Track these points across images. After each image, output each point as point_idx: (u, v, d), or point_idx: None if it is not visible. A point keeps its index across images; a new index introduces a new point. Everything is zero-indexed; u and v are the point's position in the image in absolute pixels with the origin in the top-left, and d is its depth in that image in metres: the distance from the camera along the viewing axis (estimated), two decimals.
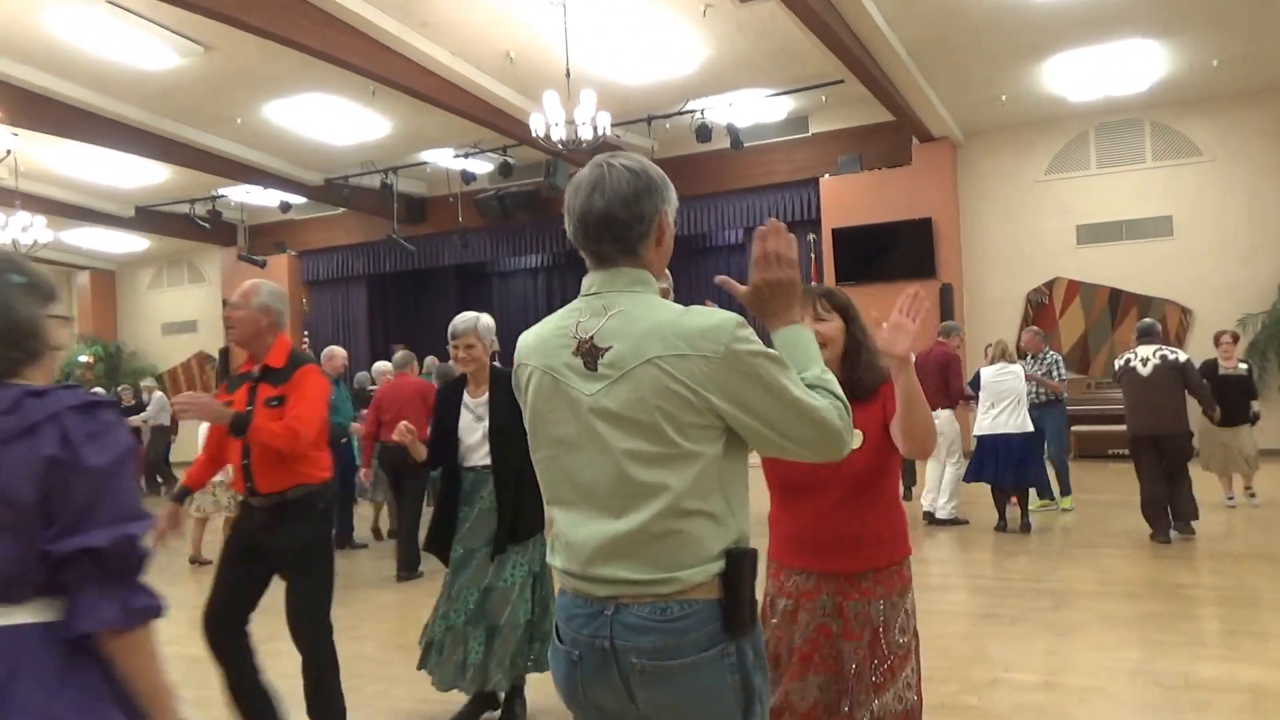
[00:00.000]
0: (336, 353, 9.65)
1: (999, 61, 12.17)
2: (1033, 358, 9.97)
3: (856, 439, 2.13)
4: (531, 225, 17.47)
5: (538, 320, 2.11)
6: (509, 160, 14.62)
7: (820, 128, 15.18)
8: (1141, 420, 7.87)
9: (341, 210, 17.55)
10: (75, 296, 21.18)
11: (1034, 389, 9.41)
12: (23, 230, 13.66)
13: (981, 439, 8.56)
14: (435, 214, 17.62)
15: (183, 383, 19.35)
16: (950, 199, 14.49)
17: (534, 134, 10.70)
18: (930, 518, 9.07)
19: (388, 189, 15.53)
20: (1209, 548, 7.60)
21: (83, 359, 19.33)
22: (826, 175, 15.07)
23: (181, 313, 20.45)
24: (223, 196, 16.73)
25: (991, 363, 8.80)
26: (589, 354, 1.90)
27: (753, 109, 14.11)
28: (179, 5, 9.09)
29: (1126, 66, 12.29)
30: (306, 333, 18.81)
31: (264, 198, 16.68)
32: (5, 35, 10.54)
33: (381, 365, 10.81)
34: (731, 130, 13.50)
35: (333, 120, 13.47)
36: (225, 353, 18.62)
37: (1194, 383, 7.93)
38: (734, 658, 1.87)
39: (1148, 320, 8.58)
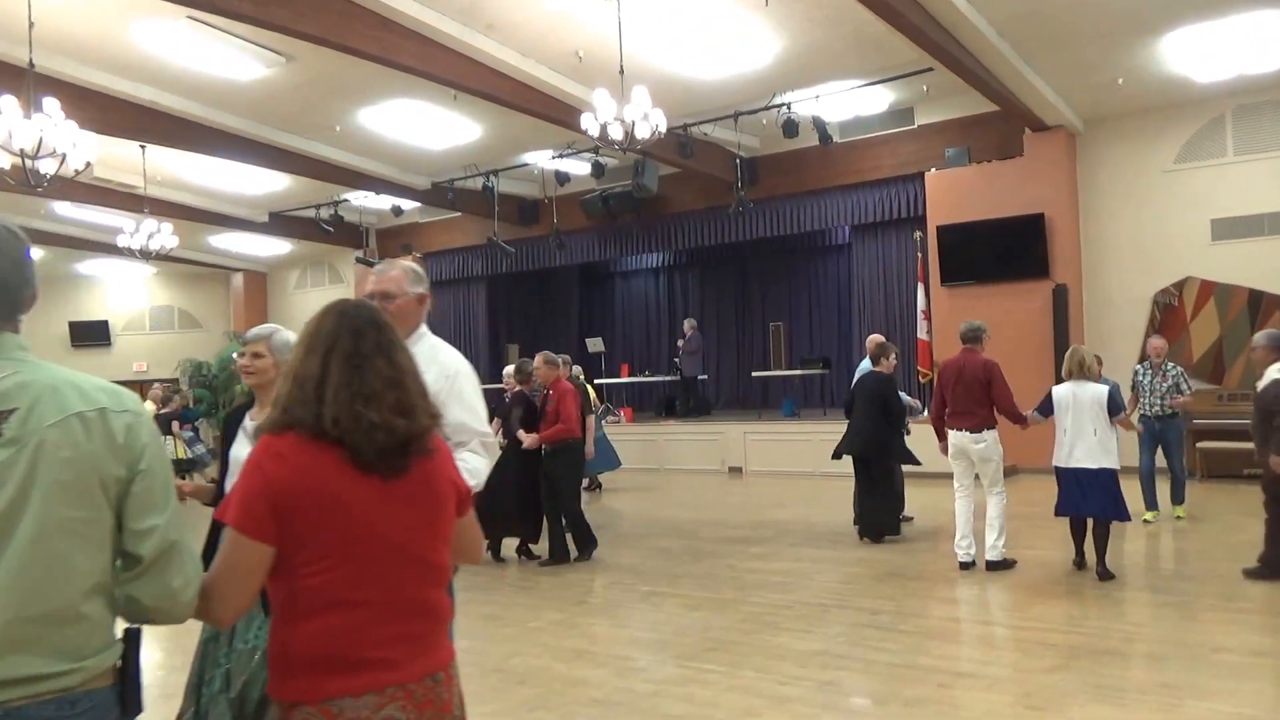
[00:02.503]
0: None
1: (1107, 39, 11.08)
2: (1152, 368, 9.52)
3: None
4: (637, 225, 17.33)
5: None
6: (600, 161, 14.49)
7: (926, 119, 14.31)
8: None
9: (460, 213, 17.88)
10: (231, 296, 22.63)
11: (1160, 402, 9.31)
12: (149, 238, 14.56)
13: (1059, 472, 7.28)
14: (547, 215, 17.69)
15: None
16: (1067, 192, 13.34)
17: (586, 132, 10.49)
18: (968, 567, 7.58)
19: (488, 191, 15.69)
20: None
21: (236, 355, 20.63)
22: (933, 170, 14.18)
23: None
24: (345, 201, 17.38)
25: (1067, 377, 7.32)
26: None
27: (850, 102, 13.47)
28: (231, 16, 9.45)
29: (1259, 41, 10.94)
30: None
31: (379, 202, 17.22)
32: (99, 50, 11.19)
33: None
34: (818, 124, 12.91)
35: (424, 125, 13.75)
36: None
37: None
38: None
39: (1275, 332, 7.33)
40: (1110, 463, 7.06)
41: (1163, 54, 11.41)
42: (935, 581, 7.36)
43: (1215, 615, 6.16)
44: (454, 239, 19.10)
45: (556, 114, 12.36)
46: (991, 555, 7.54)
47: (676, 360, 16.98)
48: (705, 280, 19.97)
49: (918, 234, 14.38)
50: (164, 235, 14.77)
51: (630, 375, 18.04)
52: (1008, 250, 13.36)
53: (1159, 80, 12.13)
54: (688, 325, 17.05)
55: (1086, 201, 13.61)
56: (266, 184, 16.29)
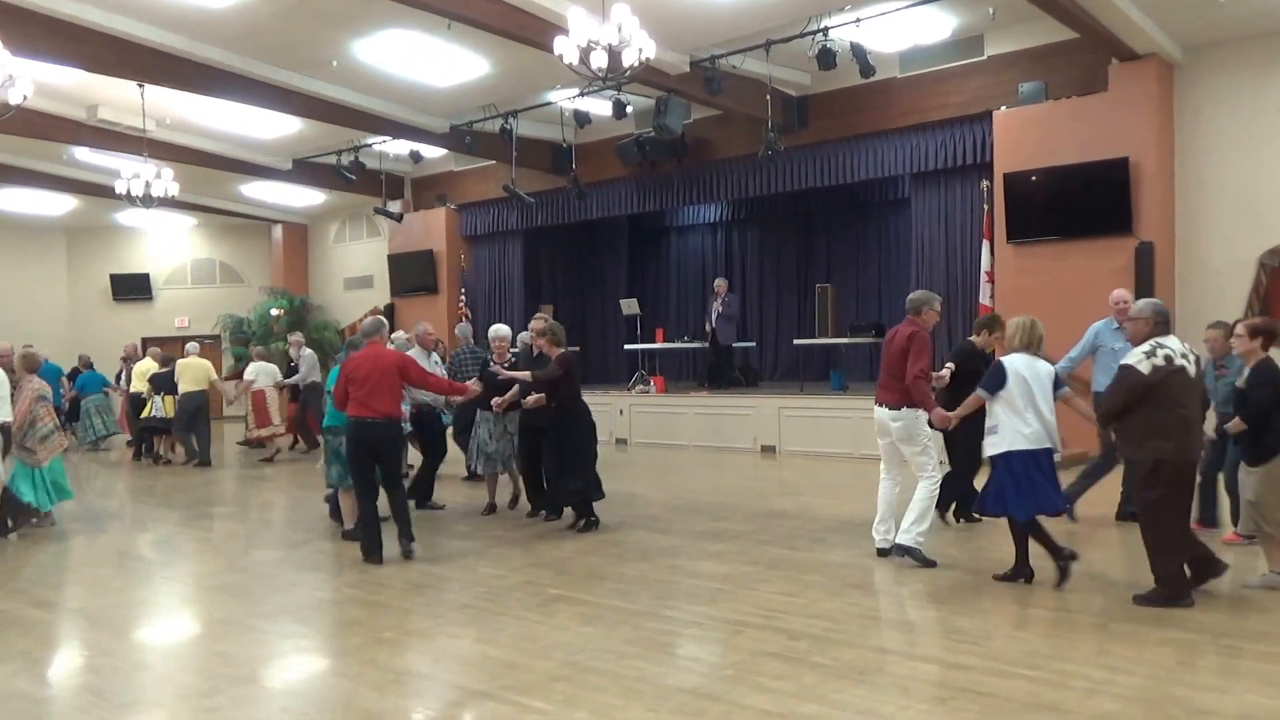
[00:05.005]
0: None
1: None
2: (1216, 364, 7.01)
3: None
4: (678, 174, 15.79)
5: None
6: (622, 99, 13.02)
7: (997, 49, 12.43)
8: (1195, 442, 5.58)
9: (493, 161, 16.64)
10: (272, 249, 21.93)
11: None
12: (147, 185, 13.73)
13: (996, 459, 6.02)
14: (587, 162, 16.32)
15: None
16: (1158, 134, 11.30)
17: (563, 60, 9.04)
18: (885, 554, 6.70)
19: (506, 135, 14.38)
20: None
21: (274, 311, 20.00)
22: (1003, 108, 12.27)
23: (360, 267, 20.59)
24: (366, 146, 16.32)
25: (1023, 349, 6.12)
26: None
27: (906, 29, 11.73)
28: None
29: None
30: (464, 290, 18.22)
31: (398, 147, 16.14)
32: None
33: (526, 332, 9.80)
34: (858, 53, 11.19)
35: (425, 59, 12.52)
36: (391, 309, 18.49)
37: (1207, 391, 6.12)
38: None
39: (1159, 302, 5.89)
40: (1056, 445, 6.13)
41: None
42: (903, 598, 5.83)
43: (1222, 661, 4.60)
44: (489, 190, 17.71)
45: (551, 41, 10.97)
46: (903, 539, 6.53)
47: (711, 326, 15.29)
48: (764, 237, 18.24)
49: (985, 183, 12.50)
50: (165, 181, 13.89)
51: (665, 341, 16.48)
52: (1085, 202, 11.44)
53: None
54: (719, 285, 15.37)
55: (1183, 145, 11.54)
56: (279, 128, 15.35)
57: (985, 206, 12.45)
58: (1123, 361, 5.59)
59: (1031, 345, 6.10)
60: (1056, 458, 6.09)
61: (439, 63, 12.67)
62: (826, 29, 11.17)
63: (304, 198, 19.73)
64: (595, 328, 19.24)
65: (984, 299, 12.39)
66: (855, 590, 5.99)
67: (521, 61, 12.51)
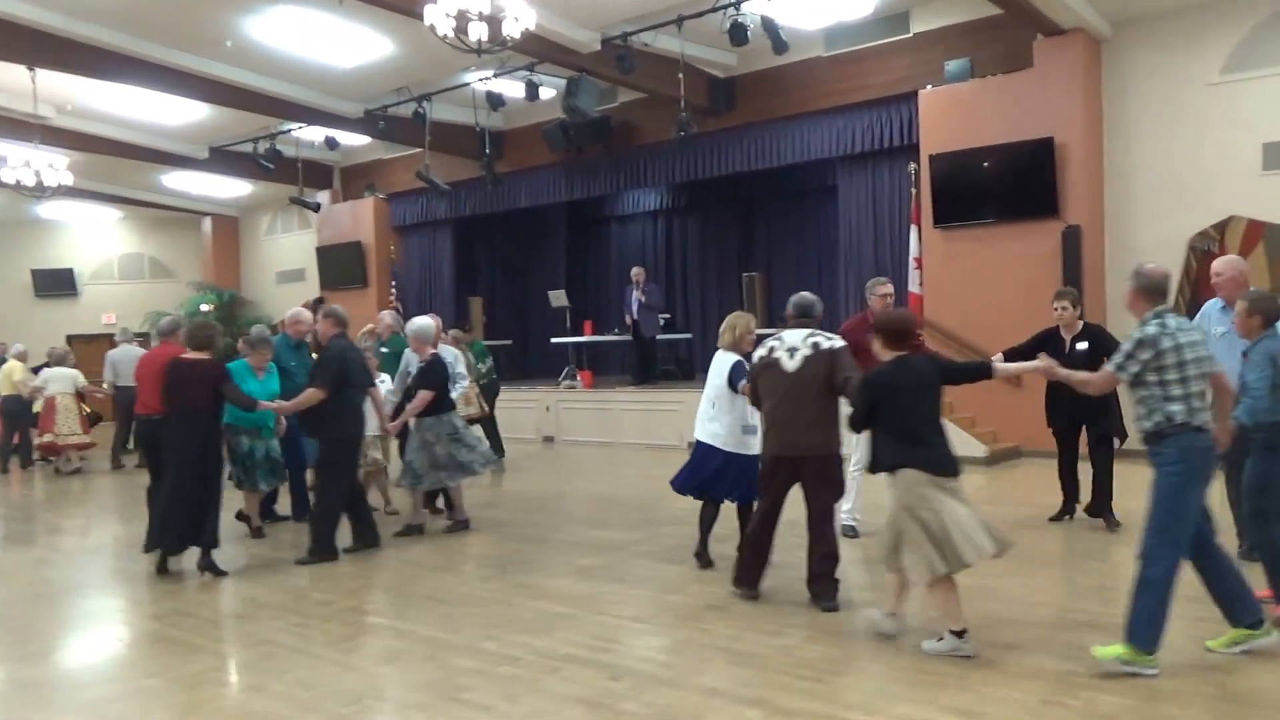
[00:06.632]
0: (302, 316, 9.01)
1: None
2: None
3: None
4: (606, 159, 15.18)
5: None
6: (534, 80, 12.43)
7: (924, 26, 11.91)
8: (780, 434, 5.37)
9: (418, 149, 15.97)
10: (201, 244, 21.20)
11: None
12: (37, 174, 13.05)
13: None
14: (515, 149, 15.70)
15: None
16: (1085, 112, 10.77)
17: (435, 32, 8.47)
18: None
19: (419, 118, 13.74)
20: None
21: (204, 307, 19.31)
22: (929, 87, 11.72)
23: (292, 260, 19.92)
24: (284, 132, 15.65)
25: (728, 348, 6.29)
26: None
27: (828, 5, 11.16)
28: None
29: None
30: (394, 283, 17.58)
31: (314, 133, 15.47)
32: None
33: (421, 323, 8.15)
34: (769, 27, 10.63)
35: (322, 38, 11.87)
36: (319, 302, 17.81)
37: (846, 381, 5.22)
38: None
39: (806, 295, 5.67)
40: (733, 445, 6.13)
41: None
42: (759, 621, 5.24)
43: (1092, 699, 3.95)
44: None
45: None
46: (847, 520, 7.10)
47: (631, 318, 14.65)
48: (705, 225, 17.66)
49: (912, 166, 11.94)
50: (58, 171, 13.21)
51: (595, 333, 15.85)
52: (1011, 184, 10.95)
53: None
54: (637, 273, 14.76)
55: (1111, 123, 11.03)
56: (186, 114, 14.66)
57: (912, 190, 11.91)
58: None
59: (727, 343, 6.17)
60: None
61: (340, 42, 12.04)
62: (738, 2, 10.61)
63: (230, 188, 19.03)
64: (535, 319, 18.60)
65: (913, 286, 11.85)
66: (713, 613, 5.41)
67: (427, 40, 11.69)
